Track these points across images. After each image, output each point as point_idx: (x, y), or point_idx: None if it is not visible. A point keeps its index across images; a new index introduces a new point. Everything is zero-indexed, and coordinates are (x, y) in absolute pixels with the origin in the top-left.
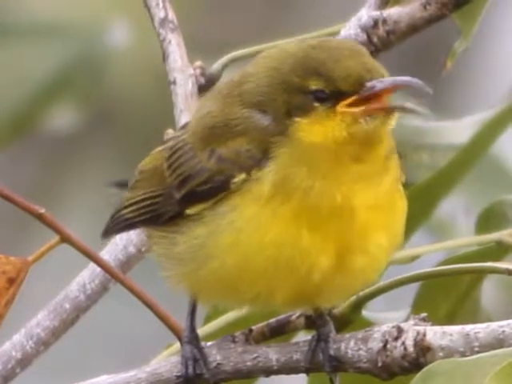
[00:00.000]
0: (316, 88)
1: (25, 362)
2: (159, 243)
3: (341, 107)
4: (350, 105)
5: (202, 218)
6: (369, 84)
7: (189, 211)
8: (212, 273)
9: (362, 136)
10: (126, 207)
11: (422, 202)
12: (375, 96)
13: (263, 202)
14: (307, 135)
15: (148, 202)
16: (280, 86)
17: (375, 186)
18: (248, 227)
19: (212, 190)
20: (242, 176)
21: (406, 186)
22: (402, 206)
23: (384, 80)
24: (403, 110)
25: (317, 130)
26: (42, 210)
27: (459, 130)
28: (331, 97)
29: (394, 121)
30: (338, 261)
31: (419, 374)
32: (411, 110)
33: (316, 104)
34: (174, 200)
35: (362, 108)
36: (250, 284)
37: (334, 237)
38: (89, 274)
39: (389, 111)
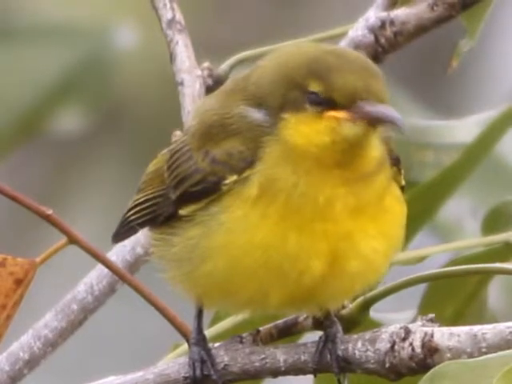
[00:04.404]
0: (313, 90)
1: (32, 362)
2: (157, 245)
3: (328, 114)
4: None
5: (195, 218)
6: (361, 103)
7: (182, 212)
8: (206, 274)
9: (343, 142)
10: (130, 209)
11: (426, 202)
12: (362, 116)
13: (251, 203)
14: (293, 135)
15: (148, 204)
16: (282, 79)
17: (359, 192)
18: (237, 228)
19: (204, 190)
20: (234, 177)
21: (409, 185)
22: (398, 210)
23: (376, 106)
24: (385, 123)
25: (302, 130)
26: (50, 211)
27: (464, 129)
28: (324, 103)
29: (377, 132)
30: (330, 264)
31: (426, 376)
32: (392, 124)
33: (307, 105)
34: (170, 201)
35: (347, 114)
36: (242, 287)
37: (322, 240)
38: (96, 275)
39: (371, 122)
